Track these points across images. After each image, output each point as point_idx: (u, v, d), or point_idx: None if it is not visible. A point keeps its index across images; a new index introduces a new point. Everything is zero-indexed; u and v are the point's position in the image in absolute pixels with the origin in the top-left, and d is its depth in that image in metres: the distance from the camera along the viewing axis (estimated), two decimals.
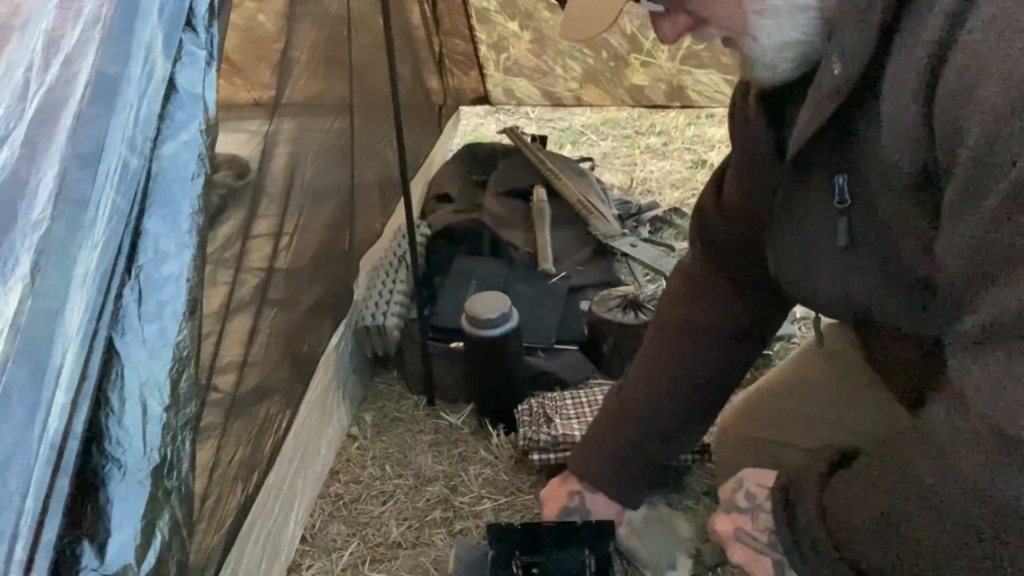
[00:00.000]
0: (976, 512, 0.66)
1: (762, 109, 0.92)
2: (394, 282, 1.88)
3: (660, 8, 0.81)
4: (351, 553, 1.40)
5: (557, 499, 1.26)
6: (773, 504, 0.89)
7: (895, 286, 0.81)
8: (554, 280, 1.96)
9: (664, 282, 2.03)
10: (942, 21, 0.66)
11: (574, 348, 1.80)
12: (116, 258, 0.65)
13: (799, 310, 1.96)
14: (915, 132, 0.70)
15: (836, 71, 0.75)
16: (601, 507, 1.24)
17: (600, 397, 1.58)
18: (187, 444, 0.68)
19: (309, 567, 1.38)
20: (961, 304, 0.68)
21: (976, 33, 0.63)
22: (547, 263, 2.04)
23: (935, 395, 0.73)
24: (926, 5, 0.68)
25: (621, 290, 1.84)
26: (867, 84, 0.74)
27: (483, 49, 2.70)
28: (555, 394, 1.62)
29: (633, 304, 1.76)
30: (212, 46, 0.73)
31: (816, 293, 0.92)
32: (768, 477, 0.91)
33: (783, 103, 0.89)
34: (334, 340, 1.63)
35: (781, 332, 1.79)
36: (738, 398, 1.39)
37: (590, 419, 1.52)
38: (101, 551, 0.60)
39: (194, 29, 0.72)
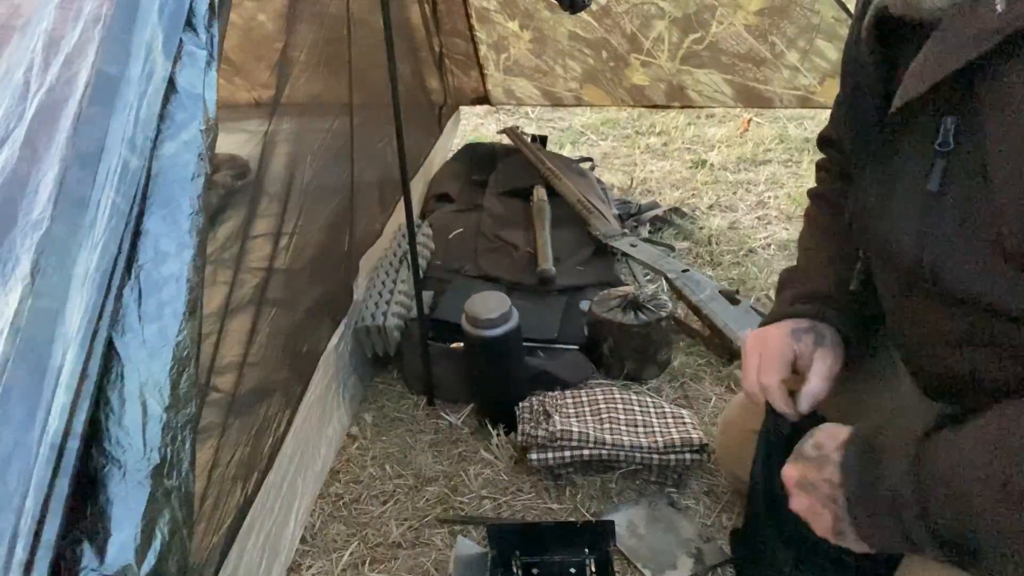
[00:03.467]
0: None
1: (874, 47, 0.86)
2: (394, 282, 1.88)
3: None
4: (351, 553, 1.40)
5: (776, 343, 1.03)
6: (844, 455, 0.84)
7: (976, 243, 0.76)
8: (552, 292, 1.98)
9: (664, 283, 2.03)
10: None
11: (574, 348, 1.80)
12: (116, 258, 0.65)
13: None
14: None
15: (999, 7, 0.69)
16: (832, 343, 1.02)
17: (600, 397, 1.59)
18: (187, 444, 0.68)
19: (309, 567, 1.38)
20: None
21: None
22: (547, 263, 2.04)
23: None
24: None
25: (621, 290, 1.84)
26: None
27: (483, 49, 2.70)
28: (556, 393, 1.62)
29: (633, 304, 1.76)
30: (212, 46, 0.73)
31: (889, 237, 0.87)
32: (841, 431, 0.87)
33: (897, 43, 0.84)
34: (334, 340, 1.63)
35: None
36: (740, 394, 1.39)
37: (590, 419, 1.52)
38: (101, 551, 0.60)
39: (194, 29, 0.72)
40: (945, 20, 0.75)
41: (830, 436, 0.87)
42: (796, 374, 1.03)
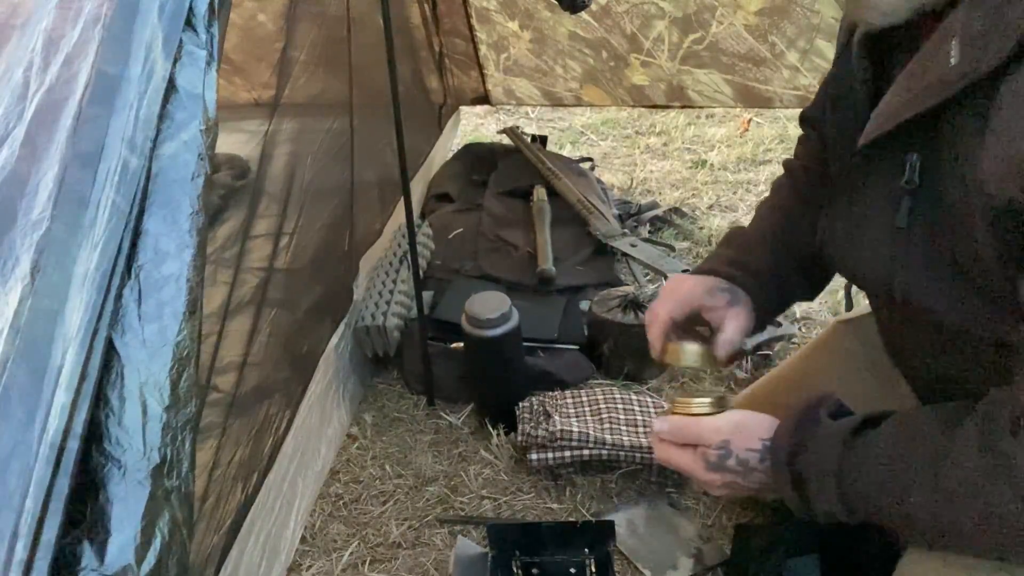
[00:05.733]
0: None
1: (864, 55, 0.87)
2: (394, 282, 1.88)
3: None
4: (351, 553, 1.40)
5: (688, 290, 1.08)
6: (776, 472, 0.88)
7: (943, 274, 0.78)
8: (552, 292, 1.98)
9: (664, 283, 2.03)
10: None
11: (574, 348, 1.80)
12: (116, 258, 0.65)
13: (798, 310, 1.96)
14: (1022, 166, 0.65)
15: (953, 59, 0.69)
16: (744, 307, 1.06)
17: (600, 397, 1.59)
18: (187, 444, 0.68)
19: (309, 567, 1.38)
20: None
21: None
22: (547, 263, 2.04)
23: (1010, 418, 0.71)
24: None
25: (621, 290, 1.84)
26: (980, 79, 0.68)
27: (483, 49, 2.70)
28: (556, 393, 1.62)
29: (633, 304, 1.76)
30: (212, 46, 0.73)
31: (859, 268, 0.90)
32: (753, 439, 0.91)
33: (888, 51, 0.85)
34: (334, 340, 1.63)
35: (781, 332, 1.79)
36: (740, 396, 1.39)
37: (590, 419, 1.52)
38: (101, 551, 0.60)
39: (194, 29, 0.72)
40: (909, 65, 0.77)
41: (748, 450, 0.91)
42: (702, 328, 1.07)
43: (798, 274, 1.10)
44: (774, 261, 1.10)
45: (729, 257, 1.11)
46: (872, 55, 0.87)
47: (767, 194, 1.22)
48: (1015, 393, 0.72)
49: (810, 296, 1.16)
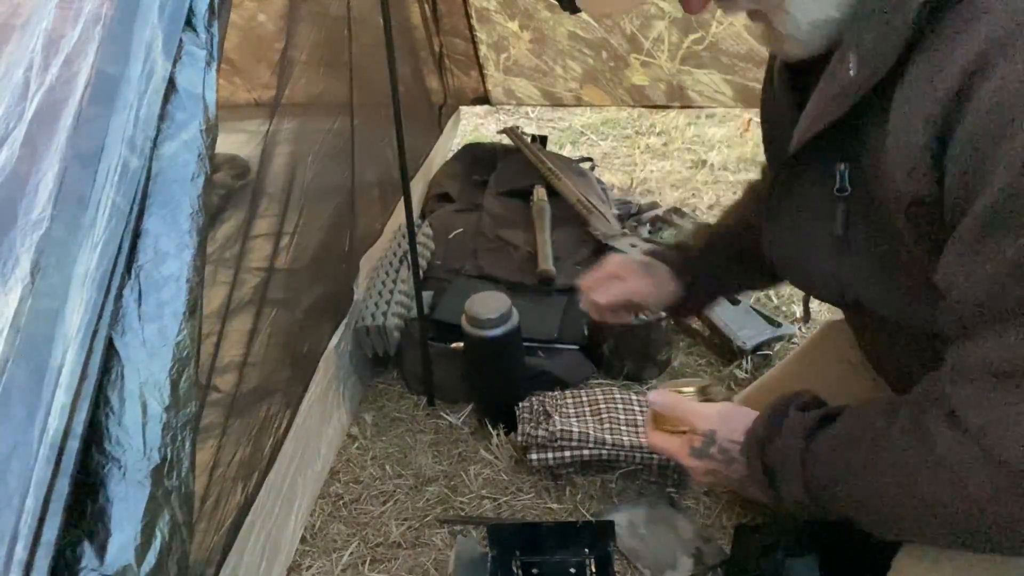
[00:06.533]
0: (976, 524, 0.71)
1: (788, 82, 0.92)
2: (394, 282, 1.88)
3: None
4: (351, 553, 1.40)
5: (612, 264, 1.28)
6: (750, 462, 0.92)
7: (886, 275, 0.82)
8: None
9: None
10: (977, 50, 0.63)
11: (574, 348, 1.79)
12: (116, 258, 0.65)
13: (798, 310, 1.96)
14: (917, 160, 0.70)
15: (851, 71, 0.74)
16: (663, 278, 1.23)
17: (600, 397, 1.59)
18: (187, 444, 0.68)
19: (309, 567, 1.38)
20: (966, 327, 0.70)
21: (1013, 74, 0.62)
22: (547, 263, 2.04)
23: (933, 405, 0.74)
24: (961, 26, 0.66)
25: None
26: (879, 85, 0.73)
27: (483, 49, 2.70)
28: (556, 393, 1.62)
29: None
30: (212, 46, 0.73)
31: (808, 277, 0.94)
32: (737, 431, 0.94)
33: (809, 76, 0.88)
34: (334, 340, 1.63)
35: (781, 332, 1.79)
36: (740, 396, 1.40)
37: (590, 418, 1.52)
38: (101, 551, 0.60)
39: (194, 29, 0.72)
40: (820, 82, 0.81)
41: (731, 441, 0.94)
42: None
43: (735, 263, 1.21)
44: (708, 244, 1.25)
45: (668, 244, 1.31)
46: (794, 81, 0.91)
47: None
48: (939, 376, 0.75)
49: (756, 287, 1.38)
